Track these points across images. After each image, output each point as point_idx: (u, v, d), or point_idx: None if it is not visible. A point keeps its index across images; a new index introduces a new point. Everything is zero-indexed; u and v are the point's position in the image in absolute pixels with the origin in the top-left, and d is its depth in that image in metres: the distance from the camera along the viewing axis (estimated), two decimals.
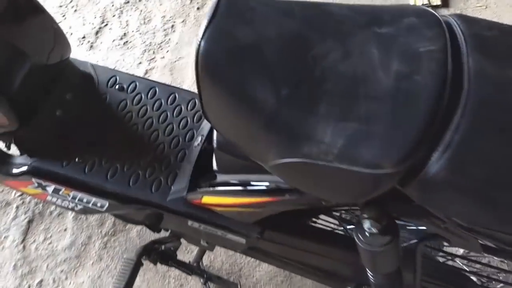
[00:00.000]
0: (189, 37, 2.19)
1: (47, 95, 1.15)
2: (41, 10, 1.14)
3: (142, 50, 2.14)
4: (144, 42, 2.16)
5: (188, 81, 2.06)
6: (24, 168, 1.12)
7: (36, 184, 1.12)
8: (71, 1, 2.27)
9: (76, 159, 1.12)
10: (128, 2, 2.27)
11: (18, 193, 1.76)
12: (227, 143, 0.85)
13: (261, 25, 0.72)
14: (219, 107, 0.75)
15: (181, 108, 1.21)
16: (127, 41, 2.16)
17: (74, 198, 1.11)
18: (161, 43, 2.17)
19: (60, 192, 1.11)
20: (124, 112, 1.21)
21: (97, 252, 1.65)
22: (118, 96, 1.23)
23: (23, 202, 1.73)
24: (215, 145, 0.87)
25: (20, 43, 1.08)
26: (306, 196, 0.78)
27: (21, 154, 1.14)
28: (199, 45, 0.69)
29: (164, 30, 2.20)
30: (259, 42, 0.70)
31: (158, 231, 1.26)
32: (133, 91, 1.24)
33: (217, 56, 0.70)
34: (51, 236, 1.68)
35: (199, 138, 1.09)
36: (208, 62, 0.70)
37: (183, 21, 2.24)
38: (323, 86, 0.66)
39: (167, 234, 1.28)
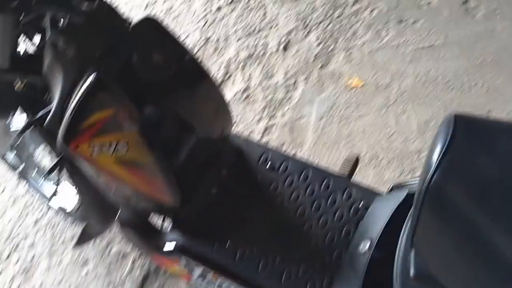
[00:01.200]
0: (311, 96, 2.14)
1: (206, 171, 1.12)
2: (207, 76, 1.09)
3: (262, 106, 2.11)
4: (265, 98, 2.14)
5: (308, 143, 1.99)
6: (175, 245, 1.08)
7: (183, 264, 1.08)
8: (197, 51, 2.31)
9: (228, 244, 1.06)
10: (252, 55, 2.27)
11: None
12: (429, 276, 0.74)
13: (505, 157, 0.62)
14: (442, 245, 0.65)
15: (335, 197, 1.13)
16: (248, 95, 2.14)
17: (220, 285, 1.06)
18: (282, 99, 2.13)
19: (207, 277, 1.06)
20: (275, 194, 1.15)
21: None
22: (269, 176, 1.17)
23: (139, 256, 1.72)
24: (412, 272, 0.76)
25: (187, 113, 1.04)
26: None
27: (172, 229, 1.11)
28: (433, 173, 0.61)
29: (286, 86, 2.17)
30: (506, 178, 0.60)
31: None
32: (284, 171, 1.18)
33: (456, 190, 0.61)
34: None
35: (366, 244, 0.99)
36: (442, 194, 0.61)
37: (305, 79, 2.19)
38: None
39: None
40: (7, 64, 1.00)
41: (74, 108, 0.83)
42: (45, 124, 0.91)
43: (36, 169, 1.54)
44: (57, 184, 1.18)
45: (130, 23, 0.92)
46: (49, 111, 0.93)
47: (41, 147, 1.39)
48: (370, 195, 1.08)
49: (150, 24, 0.92)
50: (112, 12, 0.88)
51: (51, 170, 0.99)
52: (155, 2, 2.63)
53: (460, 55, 2.26)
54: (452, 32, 2.36)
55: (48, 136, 1.06)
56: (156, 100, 0.95)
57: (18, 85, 1.12)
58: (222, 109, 1.14)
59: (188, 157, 1.05)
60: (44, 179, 1.52)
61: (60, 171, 1.03)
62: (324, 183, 1.16)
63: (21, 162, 1.56)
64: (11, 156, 1.53)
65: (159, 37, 0.93)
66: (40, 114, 1.04)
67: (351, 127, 2.05)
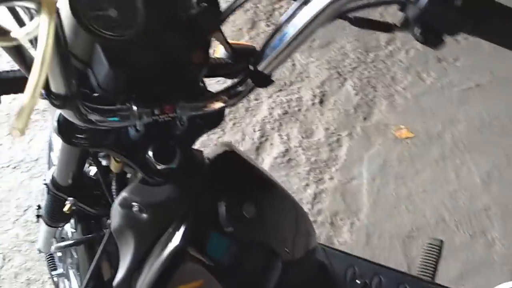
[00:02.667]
0: (358, 153, 1.95)
1: None
2: (277, 184, 0.93)
3: (307, 169, 1.92)
4: (308, 160, 1.95)
5: (365, 210, 1.80)
6: None
7: None
8: (229, 113, 2.14)
9: None
10: (286, 112, 2.10)
11: None
12: None
13: None
14: None
15: None
16: (290, 159, 1.96)
17: None
18: (327, 160, 1.95)
19: None
20: None
21: None
22: None
23: None
24: None
25: (269, 236, 0.87)
26: None
27: None
28: None
29: (329, 145, 1.99)
30: None
31: None
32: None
33: None
34: None
35: None
36: None
37: (349, 134, 2.01)
38: None
39: None
40: (66, 183, 0.88)
41: (152, 282, 0.65)
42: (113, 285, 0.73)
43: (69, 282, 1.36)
44: None
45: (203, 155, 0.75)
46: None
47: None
48: None
49: (229, 158, 0.75)
50: (201, 157, 0.71)
51: None
52: None
53: (511, 92, 2.09)
54: (497, 67, 2.19)
55: None
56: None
57: (68, 206, 0.96)
58: (302, 220, 0.95)
59: (277, 286, 0.86)
60: None
61: None
62: None
63: (62, 267, 1.39)
64: (55, 255, 1.36)
65: (242, 175, 0.74)
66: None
67: (409, 186, 1.85)
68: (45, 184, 0.92)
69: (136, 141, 0.60)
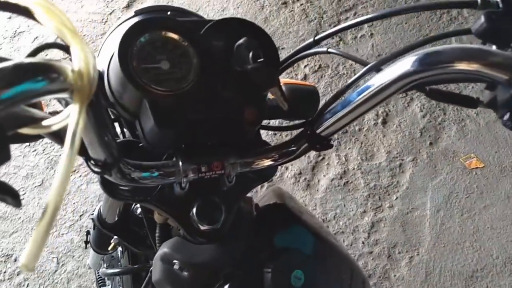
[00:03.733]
0: (422, 181, 1.83)
1: None
2: (335, 248, 0.86)
3: (365, 195, 1.83)
4: (367, 184, 1.85)
5: (426, 244, 1.68)
6: None
7: None
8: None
9: None
10: (346, 131, 2.00)
11: None
12: None
13: None
14: None
15: None
16: (347, 182, 1.87)
17: None
18: (387, 186, 1.84)
19: None
20: None
21: None
22: None
23: None
24: None
25: None
26: None
27: None
28: None
29: (391, 169, 1.88)
30: None
31: None
32: None
33: None
34: None
35: None
36: None
37: (413, 160, 1.89)
38: None
39: None
40: (113, 220, 0.87)
41: None
42: None
43: None
44: None
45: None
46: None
47: None
48: None
49: (280, 214, 0.69)
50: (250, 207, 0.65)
51: None
52: None
53: None
54: None
55: None
56: None
57: (113, 246, 0.95)
58: (356, 277, 0.88)
59: None
60: None
61: None
62: None
63: (110, 285, 1.40)
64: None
65: (293, 235, 0.68)
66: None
67: (475, 221, 1.71)
68: (92, 219, 0.90)
69: (180, 198, 0.56)
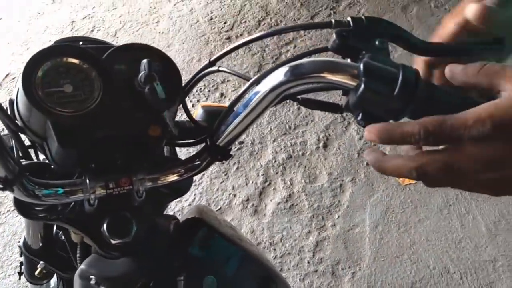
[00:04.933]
0: (361, 200, 1.94)
1: None
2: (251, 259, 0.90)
3: (310, 216, 1.92)
4: (311, 205, 1.94)
5: (366, 259, 1.77)
6: None
7: None
8: (232, 157, 2.16)
9: None
10: (290, 157, 2.11)
11: None
12: None
13: None
14: None
15: None
16: (293, 204, 1.96)
17: None
18: (330, 206, 1.94)
19: None
20: None
21: None
22: None
23: None
24: None
25: None
26: None
27: None
28: None
29: (332, 190, 1.98)
30: None
31: None
32: None
33: None
34: None
35: None
36: None
37: (352, 179, 2.01)
38: None
39: None
40: (37, 245, 0.90)
41: None
42: None
43: None
44: None
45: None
46: None
47: None
48: None
49: (198, 227, 0.74)
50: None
51: None
52: None
53: None
54: None
55: None
56: None
57: (39, 270, 0.97)
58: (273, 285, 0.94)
59: None
60: None
61: None
62: None
63: None
64: None
65: (207, 246, 0.73)
66: None
67: (412, 234, 1.83)
68: (19, 246, 0.92)
69: (91, 214, 0.59)
